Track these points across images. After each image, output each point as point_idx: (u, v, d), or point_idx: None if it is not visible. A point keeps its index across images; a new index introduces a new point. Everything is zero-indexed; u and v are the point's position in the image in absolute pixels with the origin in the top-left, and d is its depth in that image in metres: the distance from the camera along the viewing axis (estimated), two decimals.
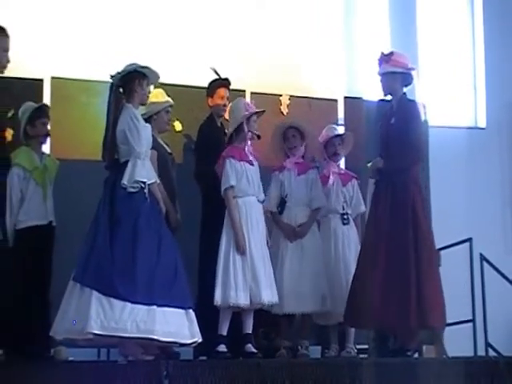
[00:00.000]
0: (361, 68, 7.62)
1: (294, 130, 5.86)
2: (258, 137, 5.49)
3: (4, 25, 5.02)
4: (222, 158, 5.40)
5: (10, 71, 5.08)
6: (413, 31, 7.83)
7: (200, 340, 4.87)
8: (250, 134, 5.46)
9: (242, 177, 5.36)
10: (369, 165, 6.16)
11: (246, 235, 5.30)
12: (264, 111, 5.61)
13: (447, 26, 8.35)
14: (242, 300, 5.20)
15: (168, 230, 5.06)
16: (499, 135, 8.09)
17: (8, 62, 4.96)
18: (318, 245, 5.80)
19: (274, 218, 5.79)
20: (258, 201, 5.49)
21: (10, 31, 4.98)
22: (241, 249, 5.24)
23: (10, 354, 5.12)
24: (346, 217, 5.96)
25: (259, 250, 5.33)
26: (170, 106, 5.86)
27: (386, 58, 5.44)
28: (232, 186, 5.33)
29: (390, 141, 5.47)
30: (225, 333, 5.31)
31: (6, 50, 4.94)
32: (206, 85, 6.12)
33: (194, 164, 6.00)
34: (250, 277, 5.24)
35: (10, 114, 5.78)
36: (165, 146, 5.84)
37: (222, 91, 6.05)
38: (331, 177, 6.02)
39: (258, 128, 5.51)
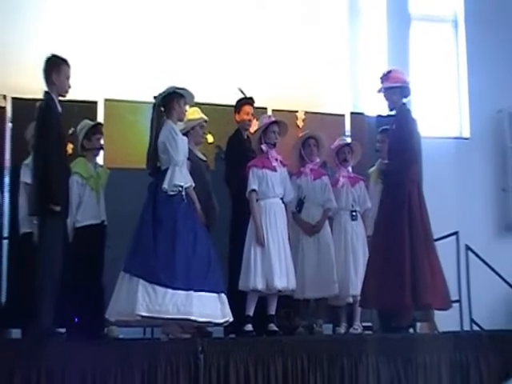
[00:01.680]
0: (364, 88, 7.56)
1: (313, 140, 5.81)
2: (274, 145, 5.48)
3: (64, 54, 4.99)
4: (248, 167, 5.42)
5: (70, 95, 5.05)
6: (406, 55, 7.75)
7: (231, 320, 4.80)
8: (265, 144, 5.45)
9: (262, 182, 5.35)
10: (370, 170, 6.06)
11: (264, 231, 5.24)
12: (276, 121, 5.54)
13: (435, 51, 8.25)
14: (260, 285, 5.16)
15: (202, 225, 4.98)
16: (482, 144, 7.96)
17: (69, 87, 4.94)
18: (330, 239, 5.73)
19: (294, 217, 5.74)
20: (283, 202, 5.43)
21: (69, 60, 4.97)
22: (259, 241, 5.20)
23: (70, 333, 5.03)
24: (354, 214, 5.88)
25: (276, 244, 5.27)
26: (205, 121, 5.75)
27: (386, 76, 5.41)
28: (254, 190, 5.32)
29: (391, 145, 5.44)
30: (251, 314, 5.24)
31: (68, 77, 4.92)
32: (233, 103, 6.04)
33: (224, 170, 5.90)
34: (266, 266, 5.17)
35: (70, 131, 5.70)
36: (200, 155, 5.73)
37: (248, 108, 5.96)
38: (341, 179, 5.94)
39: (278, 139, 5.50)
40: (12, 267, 5.89)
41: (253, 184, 5.30)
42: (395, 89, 5.35)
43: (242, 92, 5.98)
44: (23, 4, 6.72)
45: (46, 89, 4.89)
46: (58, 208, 4.72)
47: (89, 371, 4.31)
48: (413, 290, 5.04)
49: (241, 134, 5.96)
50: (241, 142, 5.89)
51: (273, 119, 5.54)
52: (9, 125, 6.22)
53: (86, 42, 6.70)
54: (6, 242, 5.99)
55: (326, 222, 5.76)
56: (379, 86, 5.42)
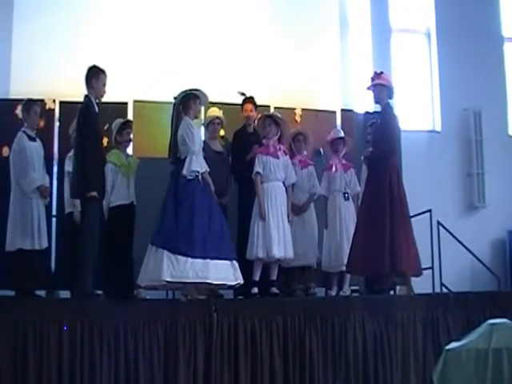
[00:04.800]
0: (353, 88, 7.44)
1: (302, 136, 5.70)
2: (264, 137, 5.40)
3: (100, 64, 4.96)
4: (254, 153, 5.34)
5: (105, 97, 5.04)
6: (387, 61, 7.63)
7: (242, 282, 4.76)
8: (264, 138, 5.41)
9: (265, 167, 5.26)
10: (363, 157, 5.93)
11: (266, 208, 5.15)
12: (269, 115, 5.40)
13: (411, 57, 8.10)
14: (260, 254, 5.09)
15: (216, 203, 4.93)
16: (451, 136, 7.83)
17: (104, 92, 4.95)
18: (314, 218, 5.64)
19: None
20: (284, 184, 5.32)
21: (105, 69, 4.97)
22: (262, 215, 5.11)
23: (107, 295, 5.01)
24: (346, 195, 5.74)
25: (276, 220, 5.18)
26: (217, 118, 5.65)
27: (378, 75, 5.30)
28: (258, 173, 5.24)
29: (375, 135, 5.35)
30: (257, 279, 5.18)
31: (104, 84, 4.93)
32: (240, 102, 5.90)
33: (230, 160, 5.77)
34: (267, 239, 5.09)
35: (105, 128, 5.65)
36: (217, 147, 5.62)
37: (248, 106, 5.78)
38: (334, 166, 5.81)
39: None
40: (60, 240, 5.83)
41: (258, 168, 5.24)
42: (384, 87, 5.25)
43: (242, 93, 5.82)
44: (68, 24, 6.71)
45: (85, 93, 4.87)
46: (94, 193, 4.68)
47: (121, 325, 4.35)
48: (391, 259, 4.95)
49: (245, 128, 5.81)
50: (245, 135, 5.74)
51: (265, 113, 5.43)
52: (57, 123, 6.21)
53: (118, 55, 6.64)
54: (54, 219, 5.93)
55: (312, 205, 5.67)
56: (368, 84, 5.30)
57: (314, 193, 5.65)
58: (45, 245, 5.25)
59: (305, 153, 5.74)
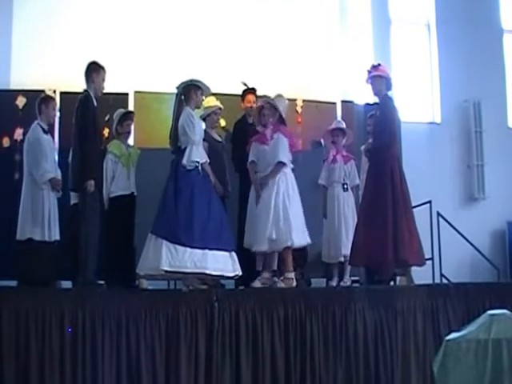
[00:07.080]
0: (353, 79, 7.38)
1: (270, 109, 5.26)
2: (264, 125, 5.28)
3: (102, 55, 5.09)
4: (249, 142, 5.31)
5: (106, 88, 5.04)
6: (387, 53, 7.64)
7: (240, 274, 4.73)
8: (260, 125, 5.32)
9: (259, 155, 5.17)
10: (362, 148, 5.89)
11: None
12: (267, 102, 5.32)
13: (411, 49, 8.10)
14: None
15: (216, 194, 4.90)
16: (450, 128, 7.85)
17: (103, 88, 4.99)
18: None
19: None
20: None
21: (105, 61, 5.00)
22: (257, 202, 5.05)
23: (108, 284, 4.97)
24: (345, 186, 5.72)
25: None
26: (219, 108, 5.63)
27: (375, 67, 5.27)
28: (253, 161, 5.19)
29: (375, 127, 5.32)
30: (260, 269, 5.13)
31: (104, 80, 4.95)
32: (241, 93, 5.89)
33: (231, 150, 5.73)
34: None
35: (106, 118, 5.63)
36: (217, 137, 5.61)
37: (250, 97, 5.79)
38: (331, 156, 5.77)
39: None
40: (62, 231, 5.80)
41: (252, 156, 5.19)
42: (382, 79, 5.21)
43: (245, 84, 5.81)
44: (68, 15, 6.71)
45: (85, 87, 4.88)
46: (91, 182, 4.69)
47: (123, 314, 4.34)
48: (394, 250, 4.94)
49: (245, 118, 5.81)
50: (245, 126, 5.72)
51: (260, 103, 5.36)
52: (57, 114, 6.13)
53: (119, 45, 6.64)
54: None
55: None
56: (367, 76, 5.26)
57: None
58: (55, 237, 5.16)
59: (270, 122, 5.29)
